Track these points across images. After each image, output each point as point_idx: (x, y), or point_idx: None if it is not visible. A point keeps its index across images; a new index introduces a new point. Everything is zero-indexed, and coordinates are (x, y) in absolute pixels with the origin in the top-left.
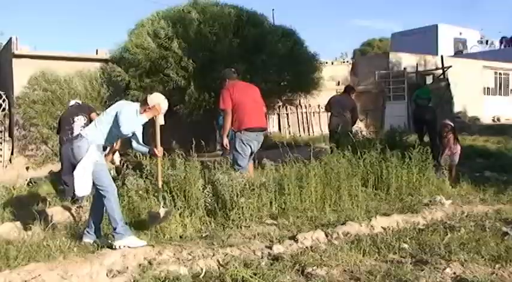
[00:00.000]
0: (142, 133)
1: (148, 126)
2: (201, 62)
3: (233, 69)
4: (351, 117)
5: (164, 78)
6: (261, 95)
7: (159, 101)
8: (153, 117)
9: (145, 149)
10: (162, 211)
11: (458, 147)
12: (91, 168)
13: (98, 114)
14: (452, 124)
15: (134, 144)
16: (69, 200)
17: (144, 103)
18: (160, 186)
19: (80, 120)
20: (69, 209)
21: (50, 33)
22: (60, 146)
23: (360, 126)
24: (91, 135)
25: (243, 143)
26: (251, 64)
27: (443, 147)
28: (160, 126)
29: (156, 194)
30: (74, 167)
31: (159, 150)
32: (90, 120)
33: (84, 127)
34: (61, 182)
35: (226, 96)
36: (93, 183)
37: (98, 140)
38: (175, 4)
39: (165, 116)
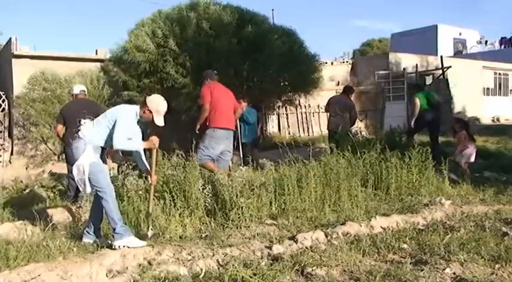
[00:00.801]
0: (142, 133)
1: (148, 126)
2: (200, 60)
3: (216, 72)
4: (350, 118)
5: (163, 76)
6: (236, 101)
7: (158, 101)
8: (153, 119)
9: (141, 164)
10: (150, 233)
11: (472, 146)
12: (87, 169)
13: None
14: (464, 119)
15: (135, 154)
16: (69, 200)
17: (143, 105)
18: (150, 211)
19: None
20: (69, 209)
21: (49, 34)
22: (66, 146)
23: (359, 126)
24: (88, 136)
25: (214, 141)
26: (251, 63)
27: (456, 143)
28: (160, 127)
29: (146, 216)
30: None
31: (153, 178)
32: None
33: None
34: (66, 180)
35: (207, 93)
36: (91, 183)
37: (95, 141)
38: (176, 4)
39: (164, 116)
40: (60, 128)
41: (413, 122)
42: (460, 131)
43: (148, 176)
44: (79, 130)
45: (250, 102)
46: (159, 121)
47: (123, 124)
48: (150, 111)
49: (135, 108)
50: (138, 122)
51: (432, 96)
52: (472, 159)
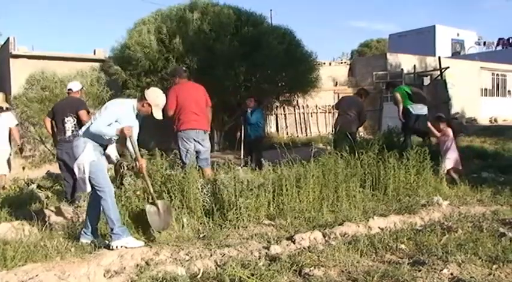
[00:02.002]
0: (140, 128)
1: (145, 121)
2: (200, 60)
3: (184, 68)
4: (358, 118)
5: (164, 76)
6: (208, 95)
7: (157, 95)
8: (151, 113)
9: (132, 151)
10: (160, 204)
11: (455, 146)
12: (88, 167)
13: (88, 112)
14: (441, 115)
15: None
16: (66, 200)
17: (141, 98)
18: (152, 190)
19: (69, 122)
20: (66, 209)
21: (47, 34)
22: (54, 144)
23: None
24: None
25: (185, 141)
26: (250, 63)
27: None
28: (160, 125)
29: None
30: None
31: (140, 163)
32: (78, 119)
33: (74, 128)
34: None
35: (172, 98)
36: (91, 182)
37: (93, 138)
38: (175, 4)
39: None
40: (48, 121)
41: (401, 116)
42: (445, 128)
43: (137, 162)
44: (65, 127)
45: (258, 102)
46: (158, 114)
47: (108, 114)
48: (149, 105)
49: (132, 102)
50: (136, 116)
51: (410, 89)
52: (459, 166)
